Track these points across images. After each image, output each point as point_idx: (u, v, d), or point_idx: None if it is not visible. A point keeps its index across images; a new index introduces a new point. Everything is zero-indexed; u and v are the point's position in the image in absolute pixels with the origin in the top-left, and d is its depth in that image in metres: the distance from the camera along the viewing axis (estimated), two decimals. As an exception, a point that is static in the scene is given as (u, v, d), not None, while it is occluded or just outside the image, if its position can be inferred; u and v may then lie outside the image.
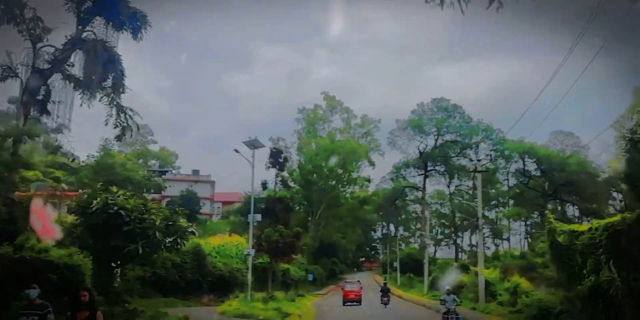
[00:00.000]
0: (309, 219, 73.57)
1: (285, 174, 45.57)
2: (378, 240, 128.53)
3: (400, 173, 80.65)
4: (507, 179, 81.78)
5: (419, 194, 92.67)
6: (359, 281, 46.31)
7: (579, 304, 18.92)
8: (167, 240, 19.12)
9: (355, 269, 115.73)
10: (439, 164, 78.05)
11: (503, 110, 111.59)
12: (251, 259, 32.92)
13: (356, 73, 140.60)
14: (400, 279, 76.07)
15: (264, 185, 42.83)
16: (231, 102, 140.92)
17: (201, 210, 74.33)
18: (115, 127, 19.69)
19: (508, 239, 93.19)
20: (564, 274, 22.48)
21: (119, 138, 19.64)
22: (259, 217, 35.65)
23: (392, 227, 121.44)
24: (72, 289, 11.66)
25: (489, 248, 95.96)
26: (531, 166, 69.95)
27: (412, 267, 76.18)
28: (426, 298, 47.86)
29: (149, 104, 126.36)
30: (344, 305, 39.89)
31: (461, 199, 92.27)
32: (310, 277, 61.67)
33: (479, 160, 38.90)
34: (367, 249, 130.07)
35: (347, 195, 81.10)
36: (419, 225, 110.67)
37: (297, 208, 73.70)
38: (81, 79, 19.10)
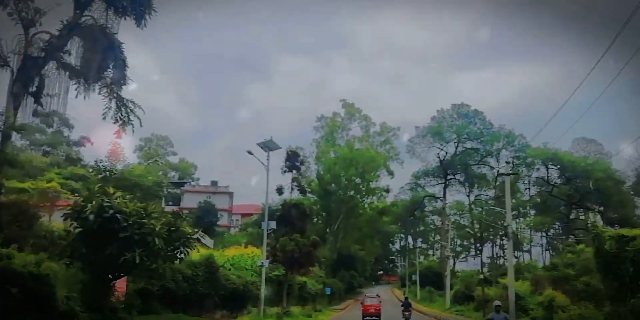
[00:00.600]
0: (327, 230, 70.89)
1: (302, 178, 42.13)
2: (396, 253, 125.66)
3: (419, 182, 77.58)
4: (529, 188, 78.27)
5: (438, 204, 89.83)
6: (378, 295, 45.25)
7: (632, 321, 16.25)
8: (168, 249, 16.72)
9: (374, 283, 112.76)
10: (459, 172, 74.73)
11: (524, 118, 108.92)
12: (264, 270, 30.39)
13: (376, 83, 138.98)
14: (420, 293, 72.71)
15: (280, 191, 39.16)
16: (252, 113, 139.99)
17: (219, 222, 72.43)
18: (115, 122, 17.40)
19: (529, 251, 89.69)
20: (611, 285, 19.91)
21: (118, 135, 17.31)
22: (273, 224, 32.99)
23: (410, 239, 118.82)
24: (41, 304, 9.15)
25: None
26: (554, 174, 66.69)
27: (432, 280, 73.30)
28: (449, 313, 44.81)
29: (171, 117, 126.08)
30: (363, 319, 39.09)
31: (481, 209, 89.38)
32: (328, 290, 58.84)
33: (507, 163, 35.79)
34: (386, 262, 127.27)
35: (366, 205, 78.29)
36: (437, 237, 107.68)
37: (315, 219, 71.38)
38: (78, 68, 16.88)
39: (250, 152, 28.79)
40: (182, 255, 17.47)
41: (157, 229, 16.04)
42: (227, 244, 51.13)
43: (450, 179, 74.55)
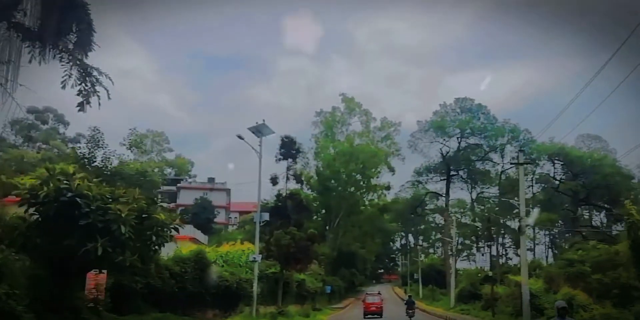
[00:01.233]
0: (327, 227, 68.21)
1: (296, 166, 38.69)
2: (397, 251, 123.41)
3: (421, 179, 74.67)
4: (532, 185, 75.49)
5: (439, 202, 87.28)
6: (379, 293, 45.00)
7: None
8: (140, 239, 14.10)
9: (374, 281, 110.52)
10: (462, 168, 71.79)
11: (524, 118, 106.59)
12: (257, 266, 27.77)
13: (376, 83, 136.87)
14: (422, 291, 70.11)
15: (274, 180, 35.41)
16: (251, 112, 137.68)
17: (216, 220, 69.98)
18: (78, 94, 14.72)
19: (532, 249, 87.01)
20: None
21: (81, 107, 14.66)
22: (266, 216, 30.07)
23: (411, 238, 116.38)
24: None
25: (511, 259, 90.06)
26: (559, 170, 64.00)
27: (434, 279, 70.97)
28: (454, 312, 42.20)
29: (170, 117, 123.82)
30: (364, 317, 38.80)
31: (483, 207, 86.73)
32: (328, 289, 56.30)
33: (520, 151, 33.14)
34: (386, 260, 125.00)
35: (367, 202, 75.60)
36: (438, 235, 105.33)
37: (315, 217, 68.83)
38: (34, 29, 14.22)
39: (240, 137, 26.13)
40: (155, 247, 14.80)
41: (123, 215, 13.40)
42: (224, 241, 48.57)
43: (453, 175, 71.63)
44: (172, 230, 15.26)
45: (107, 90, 14.95)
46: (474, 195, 78.58)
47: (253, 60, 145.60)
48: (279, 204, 33.84)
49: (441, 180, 72.21)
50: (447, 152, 69.90)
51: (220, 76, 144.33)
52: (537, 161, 65.07)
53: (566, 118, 30.16)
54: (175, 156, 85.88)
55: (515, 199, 34.41)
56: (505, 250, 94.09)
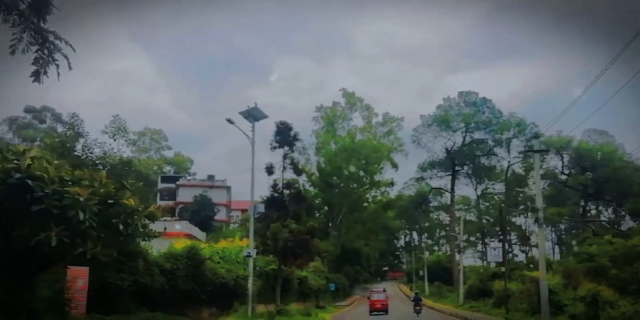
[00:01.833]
0: (330, 224, 65.93)
1: (295, 155, 35.63)
2: (401, 249, 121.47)
3: (425, 175, 72.00)
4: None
5: (443, 199, 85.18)
6: (384, 290, 44.13)
7: None
8: (106, 228, 11.81)
9: (379, 279, 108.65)
10: (467, 163, 69.12)
11: (524, 117, 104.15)
12: (252, 261, 25.49)
13: (375, 83, 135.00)
14: (428, 288, 67.75)
15: (269, 170, 31.89)
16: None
17: (217, 217, 67.90)
18: (33, 63, 12.35)
19: (537, 246, 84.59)
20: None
21: (36, 77, 12.28)
22: (261, 207, 27.61)
23: (415, 235, 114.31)
24: None
25: (516, 255, 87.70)
26: (568, 164, 61.44)
27: (441, 276, 68.75)
28: (465, 310, 39.83)
29: (170, 117, 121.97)
30: (370, 314, 38.06)
31: (488, 203, 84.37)
32: (332, 286, 54.06)
33: (535, 137, 30.80)
34: (390, 257, 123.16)
35: (370, 199, 73.26)
36: (443, 233, 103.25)
37: (317, 214, 66.64)
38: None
39: (230, 121, 23.70)
40: (121, 239, 12.44)
41: (82, 199, 11.07)
42: (223, 238, 46.36)
43: (458, 170, 68.99)
44: (146, 219, 12.89)
45: (67, 59, 12.49)
46: (479, 192, 76.19)
47: (253, 60, 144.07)
48: (276, 194, 31.17)
49: (446, 175, 69.66)
50: (452, 147, 67.33)
51: (220, 76, 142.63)
52: (544, 155, 62.59)
53: (572, 114, 28.22)
54: (174, 154, 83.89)
55: (528, 189, 32.49)
56: (511, 247, 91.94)
